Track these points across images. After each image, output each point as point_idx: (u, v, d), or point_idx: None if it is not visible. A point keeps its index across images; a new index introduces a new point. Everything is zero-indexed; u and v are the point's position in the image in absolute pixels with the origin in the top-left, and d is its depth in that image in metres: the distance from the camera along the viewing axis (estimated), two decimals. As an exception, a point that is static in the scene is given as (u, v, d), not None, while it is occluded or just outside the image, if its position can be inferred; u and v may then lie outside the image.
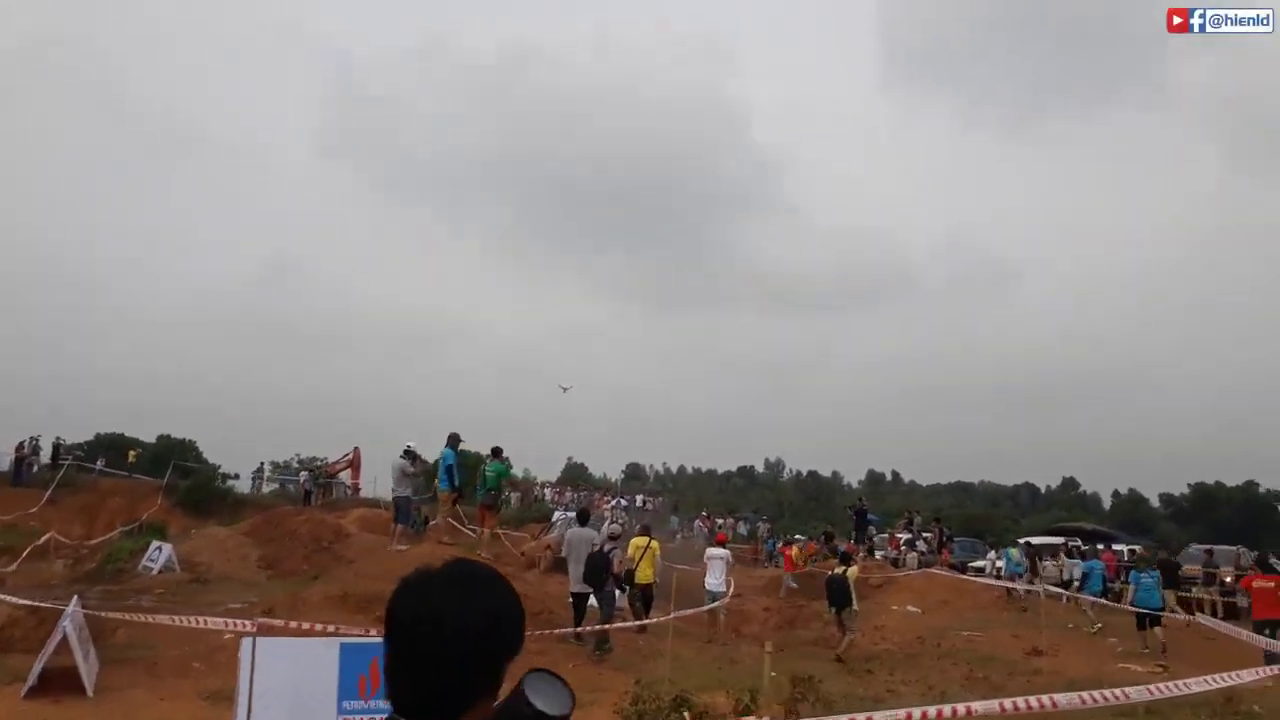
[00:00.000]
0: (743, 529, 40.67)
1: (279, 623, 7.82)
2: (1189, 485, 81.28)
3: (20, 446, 31.54)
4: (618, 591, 14.33)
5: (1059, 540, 25.69)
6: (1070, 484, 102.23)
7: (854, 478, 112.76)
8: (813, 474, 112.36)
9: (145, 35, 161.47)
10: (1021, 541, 25.23)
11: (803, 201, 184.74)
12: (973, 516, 61.28)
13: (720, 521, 38.55)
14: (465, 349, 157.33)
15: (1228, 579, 20.05)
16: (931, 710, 5.95)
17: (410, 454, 15.25)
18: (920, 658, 14.17)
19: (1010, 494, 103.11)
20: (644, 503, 44.39)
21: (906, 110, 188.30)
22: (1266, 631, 12.61)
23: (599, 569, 13.20)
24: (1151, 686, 6.11)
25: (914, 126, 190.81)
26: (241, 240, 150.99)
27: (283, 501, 33.38)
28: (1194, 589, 17.85)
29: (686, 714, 7.12)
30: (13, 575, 17.58)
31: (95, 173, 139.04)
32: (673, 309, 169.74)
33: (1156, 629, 14.37)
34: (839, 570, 15.39)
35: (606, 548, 14.24)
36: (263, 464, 41.28)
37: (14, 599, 9.82)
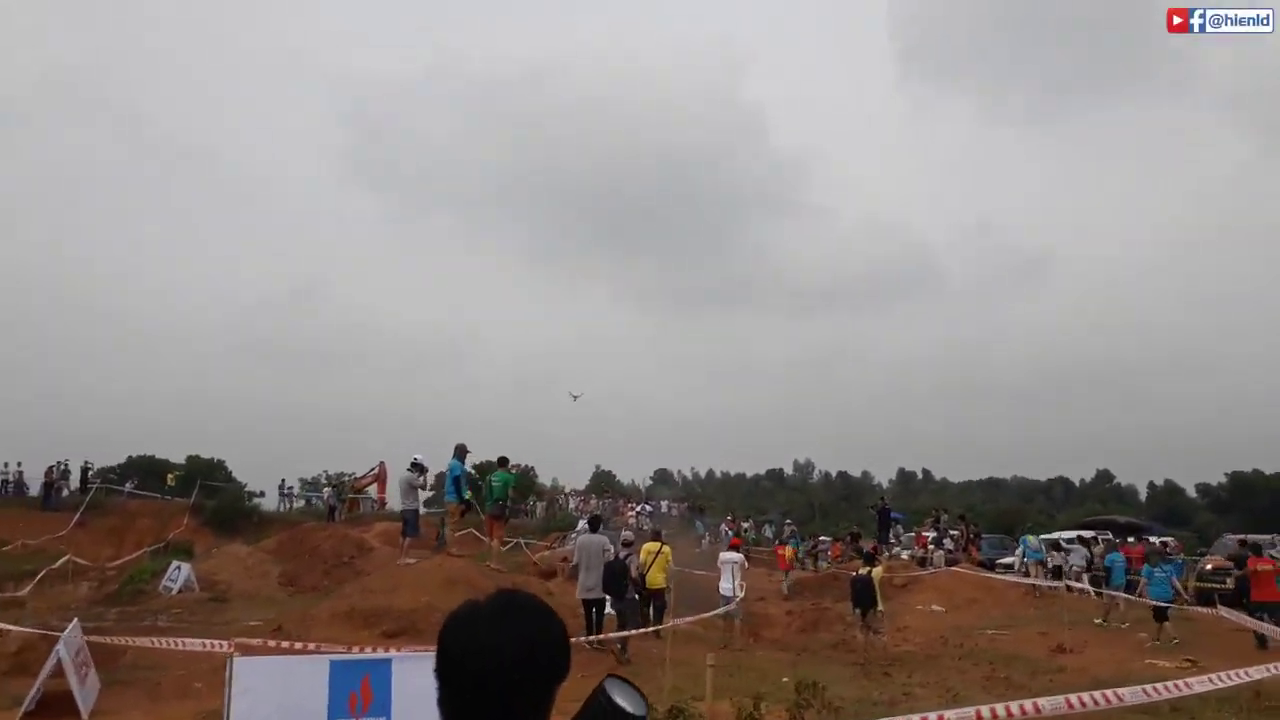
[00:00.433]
0: (768, 531, 40.16)
1: (258, 642, 7.78)
2: (1226, 474, 79.49)
3: (50, 471, 32.09)
4: (636, 597, 14.18)
5: (1070, 534, 25.20)
6: (1105, 476, 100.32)
7: (884, 477, 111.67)
8: (842, 474, 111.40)
9: (163, 66, 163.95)
10: (1042, 537, 24.81)
11: (825, 201, 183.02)
12: (1004, 512, 60.24)
13: (745, 525, 38.27)
14: (488, 361, 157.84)
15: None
16: (949, 714, 5.69)
17: (417, 466, 15.23)
18: (941, 659, 13.91)
19: (1044, 489, 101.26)
20: (669, 508, 44.06)
21: (921, 107, 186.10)
22: (1264, 615, 12.30)
23: (618, 576, 13.05)
24: (1154, 686, 5.86)
25: (932, 122, 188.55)
26: (269, 264, 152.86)
27: (309, 518, 33.65)
28: (1227, 580, 17.30)
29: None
30: (33, 599, 17.76)
31: (122, 203, 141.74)
32: (698, 314, 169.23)
33: (1166, 624, 14.38)
34: (864, 570, 15.20)
35: (622, 554, 14.10)
36: (284, 480, 41.46)
37: (15, 627, 9.84)
